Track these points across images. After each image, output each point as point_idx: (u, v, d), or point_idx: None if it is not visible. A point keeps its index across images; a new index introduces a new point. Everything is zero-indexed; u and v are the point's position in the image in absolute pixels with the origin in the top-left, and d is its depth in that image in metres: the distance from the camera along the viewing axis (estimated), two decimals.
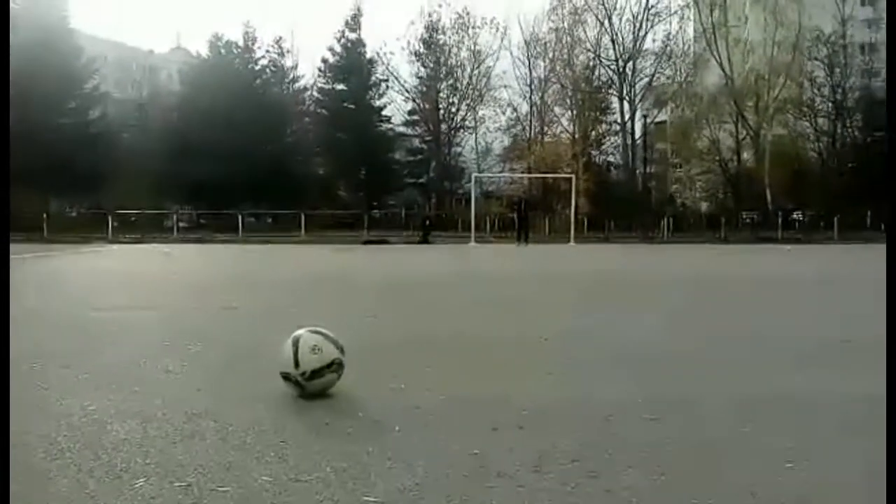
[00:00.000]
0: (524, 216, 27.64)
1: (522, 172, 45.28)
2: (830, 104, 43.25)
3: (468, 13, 47.31)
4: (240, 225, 32.80)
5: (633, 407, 2.98)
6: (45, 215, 31.64)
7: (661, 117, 49.21)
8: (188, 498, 1.97)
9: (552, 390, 3.38)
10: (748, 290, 9.56)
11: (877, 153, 36.80)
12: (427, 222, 29.05)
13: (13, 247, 19.92)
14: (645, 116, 46.04)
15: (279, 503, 1.94)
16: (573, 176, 32.11)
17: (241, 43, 45.66)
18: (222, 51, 44.68)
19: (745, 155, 44.61)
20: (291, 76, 49.06)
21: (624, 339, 4.92)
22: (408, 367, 3.88)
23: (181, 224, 36.20)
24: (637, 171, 46.88)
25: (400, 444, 2.48)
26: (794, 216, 40.86)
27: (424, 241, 26.53)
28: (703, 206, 47.94)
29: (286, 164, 43.29)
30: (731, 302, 8.05)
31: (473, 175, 37.63)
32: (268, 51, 47.21)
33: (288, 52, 48.30)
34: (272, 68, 47.63)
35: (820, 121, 43.89)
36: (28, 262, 15.02)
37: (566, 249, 23.21)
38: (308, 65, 55.26)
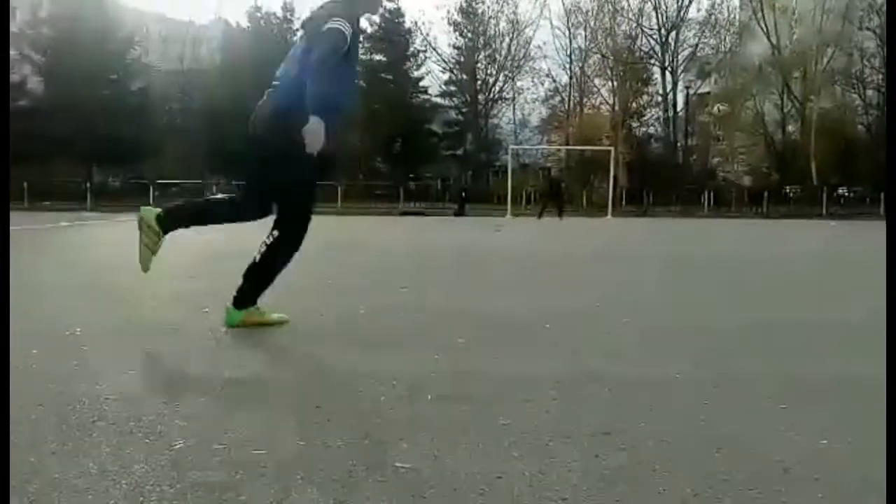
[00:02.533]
0: (557, 193, 27.24)
1: (560, 144, 44.83)
2: (881, 76, 41.79)
3: None
4: None
5: (670, 382, 2.96)
6: (88, 185, 32.26)
7: (704, 89, 48.14)
8: (225, 460, 2.01)
9: (587, 364, 3.37)
10: (791, 267, 9.39)
11: None
12: (463, 194, 28.99)
13: (58, 215, 20.44)
14: (687, 88, 45.16)
15: (312, 466, 1.97)
16: (612, 148, 31.64)
17: (279, 14, 45.76)
18: (262, 22, 44.88)
19: (791, 128, 43.50)
20: None
21: (662, 315, 4.88)
22: (441, 339, 3.90)
23: (220, 194, 36.65)
24: (678, 144, 46.09)
25: (432, 412, 2.50)
26: (840, 191, 39.77)
27: (461, 213, 26.51)
28: (746, 179, 46.98)
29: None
30: (773, 279, 7.92)
31: (510, 147, 37.31)
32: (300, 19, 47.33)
33: None
34: None
35: (869, 93, 42.51)
36: (71, 230, 15.40)
37: (603, 223, 23.02)
38: None
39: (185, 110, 46.45)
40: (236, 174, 41.27)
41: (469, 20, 47.34)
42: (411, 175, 46.58)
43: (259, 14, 44.74)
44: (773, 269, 8.89)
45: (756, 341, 3.99)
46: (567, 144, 43.27)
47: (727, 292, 6.41)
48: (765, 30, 42.18)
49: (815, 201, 34.62)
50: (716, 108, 47.04)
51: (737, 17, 44.61)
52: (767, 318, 4.75)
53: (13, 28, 36.66)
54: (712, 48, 44.30)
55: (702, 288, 6.73)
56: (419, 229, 18.29)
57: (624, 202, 34.64)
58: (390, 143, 47.29)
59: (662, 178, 40.20)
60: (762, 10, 42.22)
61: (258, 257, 3.95)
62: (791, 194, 40.39)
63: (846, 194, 40.48)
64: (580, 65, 46.18)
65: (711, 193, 37.03)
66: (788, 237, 16.83)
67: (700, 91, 47.85)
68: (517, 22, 46.78)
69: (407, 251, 11.19)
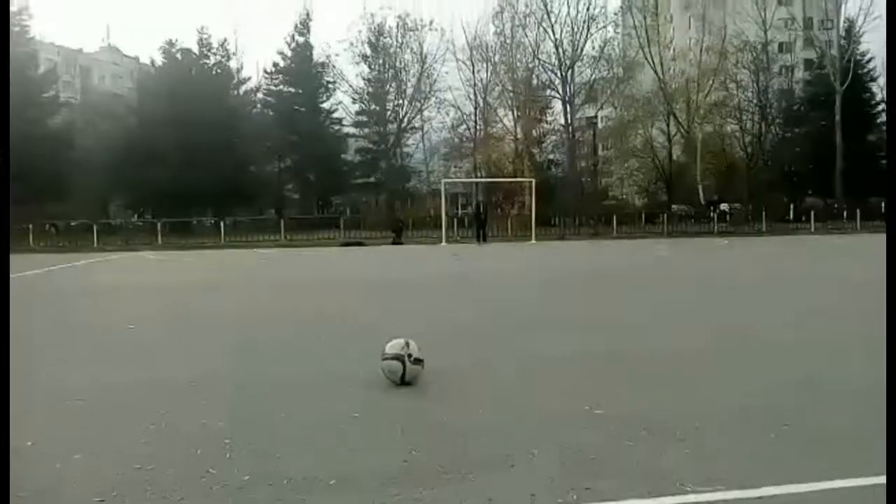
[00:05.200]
0: (483, 217, 29.18)
1: (468, 171, 46.99)
2: (755, 105, 46.48)
3: (408, 15, 48.58)
4: (204, 229, 33.13)
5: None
6: (30, 226, 30.17)
7: (600, 116, 51.51)
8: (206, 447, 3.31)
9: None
10: (731, 286, 10.92)
11: (793, 147, 44.30)
12: (399, 224, 30.34)
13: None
14: (586, 117, 48.27)
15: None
16: (533, 180, 33.70)
17: (194, 49, 44.97)
18: (178, 56, 44.21)
19: (678, 152, 47.40)
20: (237, 79, 48.31)
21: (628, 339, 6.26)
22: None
23: (131, 227, 35.69)
24: (578, 170, 48.85)
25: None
26: (723, 208, 43.41)
27: (397, 241, 27.73)
28: (636, 200, 50.42)
29: (240, 168, 43.27)
30: (710, 298, 9.49)
31: (444, 181, 37.57)
32: (214, 53, 46.29)
33: (233, 54, 47.59)
34: (218, 70, 46.44)
35: (745, 120, 47.08)
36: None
37: (530, 248, 24.58)
38: (252, 67, 55.00)
39: (98, 147, 44.65)
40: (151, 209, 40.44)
41: (376, 53, 48.66)
42: (321, 202, 47.38)
43: (173, 49, 43.57)
44: (708, 286, 10.40)
45: (715, 366, 5.37)
46: (475, 170, 45.43)
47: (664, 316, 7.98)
48: (652, 65, 45.74)
49: (703, 219, 37.87)
50: (609, 135, 50.52)
51: (627, 53, 47.96)
52: (721, 340, 6.18)
53: None
54: (606, 81, 47.32)
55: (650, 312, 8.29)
56: (361, 259, 19.25)
57: (535, 227, 36.64)
58: (304, 173, 47.83)
59: (567, 203, 42.52)
60: (649, 47, 45.81)
61: None
62: (681, 213, 43.72)
63: (729, 211, 44.33)
64: (483, 96, 48.31)
65: (613, 216, 39.62)
66: (713, 256, 18.79)
67: (596, 119, 51.10)
68: (423, 55, 48.57)
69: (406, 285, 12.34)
